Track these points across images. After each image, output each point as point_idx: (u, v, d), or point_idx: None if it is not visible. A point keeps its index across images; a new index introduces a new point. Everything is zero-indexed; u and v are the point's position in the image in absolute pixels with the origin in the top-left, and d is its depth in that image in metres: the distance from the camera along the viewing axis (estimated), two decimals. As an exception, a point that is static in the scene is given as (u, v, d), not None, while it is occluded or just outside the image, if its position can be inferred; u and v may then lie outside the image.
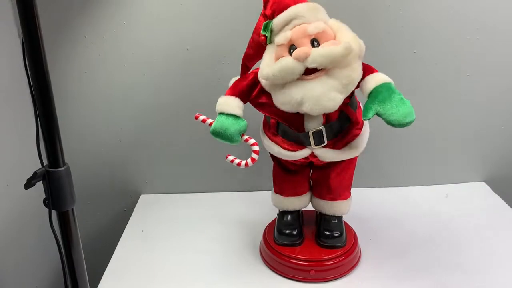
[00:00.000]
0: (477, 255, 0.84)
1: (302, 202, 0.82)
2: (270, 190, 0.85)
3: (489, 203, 1.01)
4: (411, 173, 1.08)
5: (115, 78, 0.97)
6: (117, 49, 0.95)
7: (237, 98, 0.72)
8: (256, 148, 0.69)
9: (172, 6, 0.92)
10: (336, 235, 0.80)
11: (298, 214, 0.84)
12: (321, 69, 0.64)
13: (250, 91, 0.72)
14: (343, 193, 0.80)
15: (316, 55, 0.63)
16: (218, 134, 0.70)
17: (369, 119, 0.65)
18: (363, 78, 0.67)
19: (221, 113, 0.70)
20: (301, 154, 0.73)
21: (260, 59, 0.71)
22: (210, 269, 0.83)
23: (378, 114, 0.65)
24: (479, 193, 1.05)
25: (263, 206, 0.98)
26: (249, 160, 0.70)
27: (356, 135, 0.73)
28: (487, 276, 0.78)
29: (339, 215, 0.81)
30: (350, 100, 0.71)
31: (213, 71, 0.96)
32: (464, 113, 1.02)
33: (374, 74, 0.68)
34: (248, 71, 0.78)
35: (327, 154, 0.72)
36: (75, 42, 0.94)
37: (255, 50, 0.73)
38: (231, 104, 0.71)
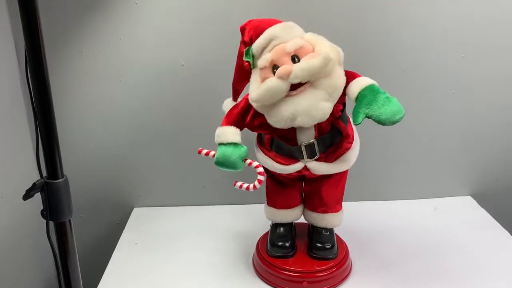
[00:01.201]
0: (463, 267, 0.85)
1: (295, 215, 0.84)
2: (263, 203, 0.87)
3: (475, 216, 1.04)
4: (400, 187, 1.10)
5: (111, 93, 0.98)
6: (113, 64, 0.96)
7: (232, 127, 0.74)
8: (261, 169, 0.70)
9: (168, 22, 0.94)
10: (328, 247, 0.81)
11: (290, 227, 0.85)
12: (305, 83, 0.66)
13: (244, 117, 0.75)
14: (335, 206, 0.82)
15: (297, 71, 0.65)
16: (222, 163, 0.72)
17: (359, 123, 0.67)
18: (347, 84, 0.69)
19: (221, 144, 0.73)
20: (294, 167, 0.75)
21: (248, 81, 0.73)
22: (204, 281, 0.83)
23: (367, 117, 0.66)
24: (465, 207, 1.08)
25: (255, 219, 0.99)
26: (256, 183, 0.71)
27: (348, 149, 0.75)
28: (474, 288, 0.80)
29: (330, 227, 0.83)
30: (341, 113, 0.74)
31: (207, 86, 0.98)
32: (450, 129, 1.05)
33: (358, 78, 0.70)
34: (239, 94, 0.80)
35: (319, 167, 0.74)
36: (72, 56, 0.95)
37: (242, 74, 0.75)
38: (228, 132, 0.73)
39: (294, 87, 0.66)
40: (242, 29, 0.73)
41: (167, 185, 1.08)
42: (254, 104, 0.70)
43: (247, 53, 0.71)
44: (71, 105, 0.99)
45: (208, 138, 0.76)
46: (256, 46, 0.69)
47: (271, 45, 0.68)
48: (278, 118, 0.68)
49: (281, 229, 0.84)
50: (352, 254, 0.86)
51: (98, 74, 0.97)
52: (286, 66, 0.65)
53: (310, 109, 0.66)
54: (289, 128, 0.71)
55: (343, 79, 0.68)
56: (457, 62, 1.00)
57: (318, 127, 0.73)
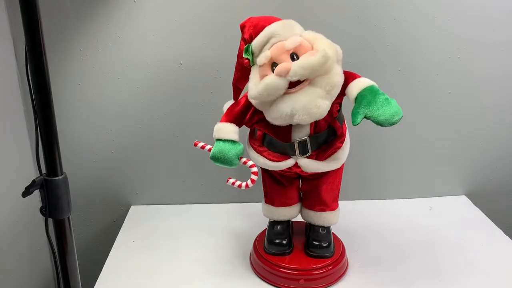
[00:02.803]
0: (458, 265, 0.86)
1: (292, 212, 0.85)
2: (260, 202, 0.87)
3: (470, 216, 1.05)
4: (395, 186, 1.11)
5: (109, 91, 0.99)
6: (111, 62, 0.96)
7: (232, 124, 0.74)
8: (254, 169, 0.71)
9: (166, 21, 0.94)
10: (325, 245, 0.82)
11: (288, 224, 0.86)
12: (304, 80, 0.67)
13: (244, 115, 0.75)
14: (332, 204, 0.83)
15: (296, 68, 0.65)
16: (218, 159, 0.72)
17: (358, 123, 0.67)
18: (347, 85, 0.70)
19: (219, 139, 0.73)
20: (285, 164, 0.75)
21: (248, 80, 0.74)
22: (201, 278, 0.84)
23: (366, 117, 0.67)
24: (460, 206, 1.09)
25: (253, 217, 0.99)
26: (249, 182, 0.72)
27: (338, 148, 0.76)
28: (467, 287, 0.81)
29: (327, 225, 0.83)
30: (338, 113, 0.75)
31: (205, 85, 0.99)
32: (446, 129, 1.06)
33: (357, 79, 0.71)
34: (240, 92, 0.81)
35: (310, 165, 0.75)
36: (70, 55, 0.95)
37: (242, 72, 0.76)
38: (227, 129, 0.74)
39: (293, 84, 0.67)
40: (242, 27, 0.74)
41: (165, 183, 1.08)
42: (253, 101, 0.71)
43: (247, 50, 0.71)
44: (69, 103, 0.99)
45: (206, 136, 0.76)
46: (255, 43, 0.70)
47: (270, 43, 0.69)
48: (277, 115, 0.68)
49: (279, 226, 0.84)
50: (348, 253, 0.86)
51: (96, 72, 0.97)
52: (285, 64, 0.66)
53: (309, 106, 0.66)
54: (284, 126, 0.72)
55: (341, 77, 0.69)
56: (453, 63, 1.00)
57: (315, 125, 0.73)
